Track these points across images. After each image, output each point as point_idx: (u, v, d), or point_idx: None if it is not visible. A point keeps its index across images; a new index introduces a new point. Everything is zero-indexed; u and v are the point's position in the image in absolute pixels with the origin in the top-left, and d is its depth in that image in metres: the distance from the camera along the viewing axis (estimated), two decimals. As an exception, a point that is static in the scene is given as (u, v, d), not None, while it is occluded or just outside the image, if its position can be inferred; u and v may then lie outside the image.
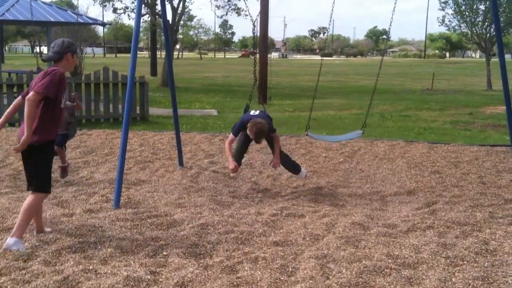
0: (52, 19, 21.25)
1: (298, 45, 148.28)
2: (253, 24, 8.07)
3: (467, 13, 26.67)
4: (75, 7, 50.84)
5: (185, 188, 6.85)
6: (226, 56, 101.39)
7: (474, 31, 26.88)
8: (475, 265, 4.38)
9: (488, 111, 16.57)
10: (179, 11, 24.84)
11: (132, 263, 4.36)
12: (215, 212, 5.82)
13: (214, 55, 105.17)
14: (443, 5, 28.02)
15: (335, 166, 8.33)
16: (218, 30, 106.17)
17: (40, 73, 4.68)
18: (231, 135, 6.82)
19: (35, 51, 75.04)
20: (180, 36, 67.42)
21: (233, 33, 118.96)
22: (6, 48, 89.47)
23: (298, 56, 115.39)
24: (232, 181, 7.36)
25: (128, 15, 29.44)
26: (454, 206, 6.15)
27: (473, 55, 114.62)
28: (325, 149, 9.56)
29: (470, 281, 4.05)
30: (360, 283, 4.04)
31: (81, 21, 22.90)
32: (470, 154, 9.21)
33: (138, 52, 6.54)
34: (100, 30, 73.75)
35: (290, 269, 4.31)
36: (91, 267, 4.23)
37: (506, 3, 23.55)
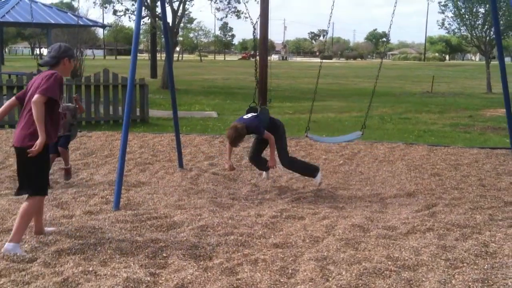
0: (52, 21, 21.25)
1: (298, 48, 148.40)
2: (254, 27, 8.09)
3: (466, 16, 26.69)
4: (75, 9, 50.84)
5: (185, 190, 6.85)
6: (226, 59, 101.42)
7: (474, 34, 26.90)
8: (475, 267, 4.38)
9: (488, 114, 16.58)
10: (179, 14, 24.88)
11: (132, 264, 4.36)
12: (215, 214, 5.82)
13: (214, 58, 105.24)
14: (443, 8, 28.09)
15: (335, 168, 8.33)
16: (218, 32, 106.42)
17: (39, 75, 4.66)
18: None
19: (35, 53, 75.10)
20: (180, 39, 67.57)
21: (233, 36, 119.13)
22: (6, 50, 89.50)
23: (298, 59, 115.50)
24: (232, 183, 7.36)
25: (129, 17, 29.44)
26: (454, 208, 6.15)
27: (473, 58, 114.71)
28: (325, 151, 9.56)
29: (470, 283, 4.05)
30: (360, 285, 4.04)
31: (81, 23, 22.91)
32: (470, 157, 9.21)
33: (138, 54, 6.54)
34: (100, 32, 73.87)
35: (290, 271, 4.31)
36: (90, 269, 4.23)
37: (505, 7, 23.57)
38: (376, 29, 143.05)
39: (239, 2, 29.05)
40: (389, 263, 4.44)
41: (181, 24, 30.96)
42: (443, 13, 28.26)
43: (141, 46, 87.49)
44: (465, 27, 27.33)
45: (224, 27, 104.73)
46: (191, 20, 75.33)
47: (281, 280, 4.13)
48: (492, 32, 24.94)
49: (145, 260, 4.48)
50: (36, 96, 4.42)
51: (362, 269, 4.28)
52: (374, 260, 4.51)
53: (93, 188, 6.80)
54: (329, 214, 5.92)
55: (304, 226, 5.46)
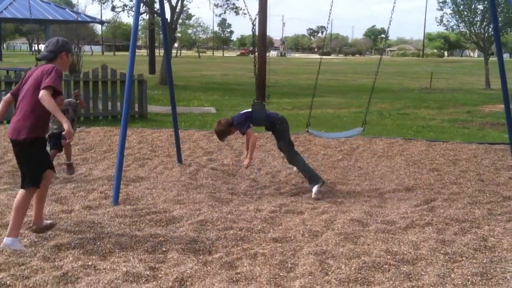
0: (50, 17, 21.24)
1: (297, 44, 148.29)
2: (253, 23, 8.08)
3: (465, 13, 26.68)
4: (73, 5, 50.76)
5: (184, 185, 6.85)
6: (224, 55, 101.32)
7: (473, 31, 26.90)
8: (474, 261, 4.39)
9: (486, 110, 16.60)
10: (177, 10, 24.83)
11: (131, 259, 4.36)
12: (214, 208, 5.83)
13: (213, 54, 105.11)
14: (441, 5, 28.10)
15: (334, 164, 8.33)
16: (216, 28, 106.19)
17: (38, 68, 4.63)
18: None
19: (33, 49, 74.97)
20: (179, 35, 67.42)
21: (231, 32, 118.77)
22: (4, 46, 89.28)
23: (297, 55, 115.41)
24: (231, 178, 7.37)
25: (127, 13, 29.40)
26: (453, 203, 6.17)
27: (471, 54, 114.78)
28: (323, 146, 9.57)
29: (469, 277, 4.06)
30: (359, 278, 4.05)
31: (80, 19, 22.88)
32: (468, 152, 9.22)
33: (136, 50, 6.53)
34: (98, 28, 73.80)
35: (289, 265, 4.32)
36: (90, 263, 4.23)
37: (504, 3, 23.54)
38: (374, 26, 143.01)
39: (237, -1, 29.02)
40: (388, 257, 4.45)
41: (180, 20, 30.92)
42: (441, 9, 28.30)
43: (139, 42, 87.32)
44: (463, 24, 27.33)
45: (223, 23, 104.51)
46: (189, 16, 75.15)
47: (281, 274, 4.14)
48: (490, 29, 24.95)
49: (145, 254, 4.48)
50: (41, 92, 4.37)
51: (361, 263, 4.29)
52: (373, 254, 4.52)
53: (92, 183, 6.80)
54: (328, 208, 5.93)
55: (303, 220, 5.47)
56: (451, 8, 27.54)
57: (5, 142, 9.21)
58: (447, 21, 28.70)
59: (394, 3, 7.32)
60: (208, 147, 9.39)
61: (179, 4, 24.87)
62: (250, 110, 6.88)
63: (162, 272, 4.14)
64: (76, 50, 23.26)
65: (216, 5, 29.79)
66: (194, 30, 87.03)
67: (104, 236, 4.84)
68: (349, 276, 4.07)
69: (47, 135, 6.86)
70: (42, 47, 59.89)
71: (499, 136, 11.17)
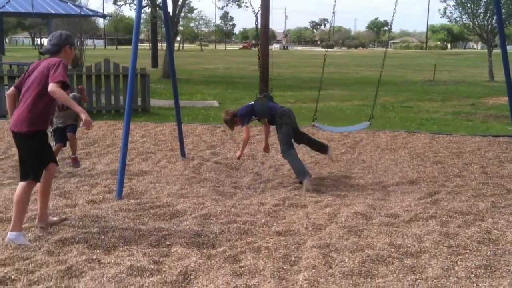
0: (53, 11, 21.22)
1: (299, 37, 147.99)
2: (256, 16, 8.06)
3: (468, 5, 26.55)
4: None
5: (187, 179, 6.86)
6: (227, 48, 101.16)
7: (476, 23, 26.77)
8: (478, 254, 4.39)
9: (490, 102, 16.54)
10: (179, 3, 24.76)
11: (136, 253, 4.38)
12: (218, 202, 5.83)
13: (215, 47, 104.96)
14: (445, -4, 27.90)
15: (337, 157, 8.32)
16: (218, 21, 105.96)
17: (43, 61, 4.64)
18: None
19: (35, 43, 74.95)
20: (181, 28, 67.37)
21: (233, 25, 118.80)
22: (7, 40, 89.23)
23: (299, 48, 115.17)
24: (234, 172, 7.37)
25: (130, 7, 29.36)
26: (457, 196, 6.16)
27: (475, 46, 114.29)
28: (327, 139, 9.54)
29: (472, 270, 4.06)
30: (363, 271, 4.05)
31: (82, 13, 22.85)
32: (472, 145, 9.20)
33: (139, 44, 6.52)
34: (100, 22, 73.77)
35: (293, 258, 4.33)
36: (94, 257, 4.24)
37: (508, -6, 23.44)
38: (377, 18, 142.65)
39: (240, -9, 28.93)
40: (392, 250, 4.45)
41: (182, 14, 30.84)
42: (445, 1, 28.10)
43: (141, 36, 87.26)
44: (467, 16, 27.20)
45: (225, 17, 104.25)
46: (191, 10, 75.10)
47: (284, 268, 4.14)
48: (494, 21, 24.82)
49: (149, 248, 4.49)
50: (51, 85, 4.37)
51: (365, 256, 4.30)
52: (377, 247, 4.52)
53: (96, 177, 6.81)
54: (331, 202, 5.93)
55: (306, 214, 5.47)
56: (454, 0, 27.41)
57: (9, 136, 9.22)
58: (450, 13, 28.59)
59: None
60: (211, 141, 9.39)
61: (181, -3, 24.81)
62: (251, 103, 6.96)
63: (166, 266, 4.15)
64: (78, 44, 23.26)
65: (219, -2, 29.64)
66: (197, 23, 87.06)
67: (108, 230, 4.85)
68: (352, 269, 4.07)
69: (52, 129, 6.90)
70: (44, 41, 59.91)
71: (503, 129, 11.14)
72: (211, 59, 49.54)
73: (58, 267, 4.04)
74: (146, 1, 25.55)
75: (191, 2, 68.63)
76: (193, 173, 7.19)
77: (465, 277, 3.96)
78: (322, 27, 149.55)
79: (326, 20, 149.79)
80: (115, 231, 4.84)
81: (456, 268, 4.11)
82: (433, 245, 4.55)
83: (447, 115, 13.43)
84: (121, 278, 3.89)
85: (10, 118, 4.79)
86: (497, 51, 16.76)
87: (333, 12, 7.59)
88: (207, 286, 3.82)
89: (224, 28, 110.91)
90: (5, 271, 3.97)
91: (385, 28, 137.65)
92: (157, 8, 26.30)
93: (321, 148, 7.28)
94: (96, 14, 27.44)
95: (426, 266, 4.16)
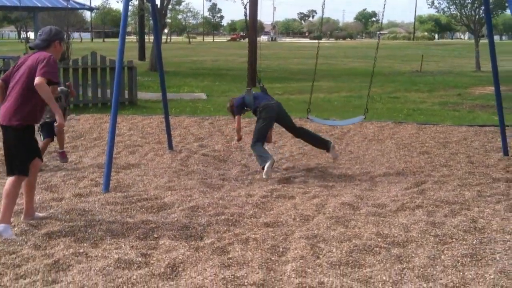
0: (39, 4, 21.00)
1: (287, 28, 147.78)
2: (244, 8, 8.04)
3: (456, -5, 26.67)
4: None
5: (175, 171, 6.84)
6: (215, 40, 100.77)
7: (463, 13, 26.89)
8: (464, 242, 4.43)
9: (477, 92, 16.66)
10: (167, -5, 24.60)
11: (123, 246, 4.36)
12: (205, 194, 5.83)
13: (203, 39, 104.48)
14: (432, -13, 28.00)
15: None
16: (206, 14, 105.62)
17: (32, 55, 4.62)
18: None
19: (21, 37, 74.11)
20: (169, 20, 66.96)
21: (221, 17, 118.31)
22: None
23: (288, 39, 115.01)
24: (222, 164, 7.36)
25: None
26: (443, 185, 6.21)
27: (462, 36, 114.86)
28: (314, 130, 9.52)
29: (458, 258, 4.10)
30: (350, 261, 4.08)
31: (69, 6, 22.63)
32: (458, 135, 9.27)
33: (126, 37, 6.47)
34: (87, 15, 73.14)
35: (281, 249, 4.34)
36: (81, 250, 4.23)
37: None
38: (365, 9, 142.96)
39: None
40: (379, 240, 4.48)
41: (169, 6, 30.66)
42: (433, -8, 28.21)
43: (128, 29, 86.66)
44: (454, 6, 27.33)
45: (213, 8, 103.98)
46: (179, 2, 74.73)
47: (272, 259, 4.15)
48: (481, 11, 24.94)
49: (136, 241, 4.48)
50: (37, 79, 4.38)
51: (352, 246, 4.32)
52: (364, 237, 4.54)
53: (82, 170, 6.78)
54: (319, 193, 5.95)
55: (294, 205, 5.48)
56: (442, -9, 27.53)
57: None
58: (438, 3, 28.72)
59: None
60: (199, 133, 9.37)
61: (169, -11, 24.65)
62: (243, 95, 7.01)
63: (154, 259, 4.14)
64: (65, 37, 23.05)
65: (206, -10, 29.50)
66: (184, 15, 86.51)
67: (95, 224, 4.83)
68: (340, 259, 4.10)
69: (39, 124, 6.84)
70: (30, 35, 59.30)
71: (489, 118, 11.23)
72: (199, 51, 49.34)
73: (45, 261, 4.02)
74: (133, -7, 25.36)
75: (178, -6, 68.39)
76: (181, 165, 7.17)
77: (451, 266, 4.00)
78: (311, 18, 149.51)
79: (315, 11, 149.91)
80: (102, 224, 4.82)
81: (442, 257, 4.15)
82: (419, 235, 4.59)
83: (434, 106, 13.51)
84: (108, 271, 3.88)
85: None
86: (484, 41, 16.87)
87: (323, 3, 7.57)
88: (195, 278, 3.82)
89: (212, 20, 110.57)
90: (-9, 265, 3.95)
91: (373, 19, 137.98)
92: (145, 0, 26.14)
93: (321, 144, 7.18)
94: (83, 7, 27.22)
95: (413, 255, 4.19)
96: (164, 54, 8.36)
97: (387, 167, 7.17)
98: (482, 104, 13.68)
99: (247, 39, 9.18)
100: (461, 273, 3.88)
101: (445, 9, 28.64)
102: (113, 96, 6.28)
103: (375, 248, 4.30)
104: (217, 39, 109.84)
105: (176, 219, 5.02)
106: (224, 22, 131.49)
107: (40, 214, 5.01)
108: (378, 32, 42.47)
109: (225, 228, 4.81)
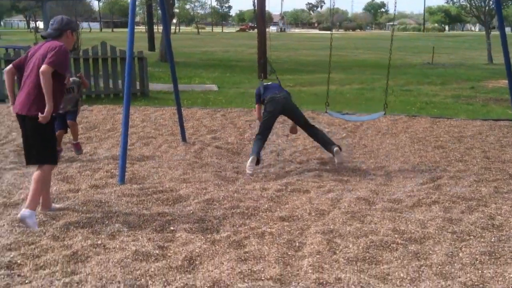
0: (49, -7, 20.95)
1: (296, 19, 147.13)
2: (253, -2, 7.99)
3: (465, -14, 26.45)
4: (70, -19, 50.12)
5: (189, 163, 6.85)
6: (224, 30, 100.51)
7: (473, 4, 26.64)
8: (482, 240, 4.40)
9: (490, 85, 16.51)
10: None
11: (140, 238, 4.38)
12: (220, 187, 5.83)
13: (212, 30, 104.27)
14: (443, -22, 27.78)
15: (338, 141, 8.27)
16: (214, 3, 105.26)
17: (44, 44, 4.62)
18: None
19: (31, 26, 74.29)
20: (176, 10, 66.82)
21: (229, 7, 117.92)
22: (2, 23, 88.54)
23: (297, 30, 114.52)
24: (236, 157, 7.36)
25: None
26: (459, 181, 6.16)
27: (472, 28, 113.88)
28: (327, 124, 9.54)
29: (477, 256, 4.08)
30: (367, 257, 4.07)
31: (78, -5, 22.62)
32: (473, 129, 9.19)
33: (135, 27, 6.44)
34: (95, 4, 73.08)
35: (297, 244, 4.34)
36: (99, 242, 4.25)
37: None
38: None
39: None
40: (396, 236, 4.46)
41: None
42: (443, -18, 27.99)
43: (137, 19, 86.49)
44: (463, -4, 27.10)
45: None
46: (187, -9, 74.46)
47: (289, 253, 4.15)
48: (491, 2, 24.68)
49: (153, 233, 4.50)
50: (44, 66, 4.42)
51: (369, 242, 4.31)
52: (381, 233, 4.53)
53: (97, 162, 6.79)
54: (334, 187, 5.93)
55: (309, 199, 5.47)
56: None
57: (8, 121, 9.18)
58: (448, -7, 28.47)
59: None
60: (212, 125, 9.36)
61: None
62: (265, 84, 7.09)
63: (171, 251, 4.16)
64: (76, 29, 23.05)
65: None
66: (192, 5, 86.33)
67: (112, 215, 4.85)
68: (357, 255, 4.09)
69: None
70: (39, 24, 59.41)
71: (503, 112, 11.13)
72: (209, 42, 49.26)
73: (63, 252, 4.05)
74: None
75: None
76: (195, 158, 7.18)
77: (470, 264, 3.98)
78: (319, 9, 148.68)
79: (323, 1, 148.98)
80: (119, 216, 4.84)
81: (460, 254, 4.13)
82: (436, 231, 4.56)
83: (447, 99, 13.40)
84: (126, 263, 3.90)
85: (11, 99, 4.77)
86: (495, 33, 16.70)
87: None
88: (212, 271, 3.83)
89: (220, 10, 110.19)
90: (11, 255, 3.98)
91: (382, 9, 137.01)
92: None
93: (327, 147, 6.94)
94: (92, -4, 27.15)
95: (431, 252, 4.17)
96: (173, 44, 8.31)
97: (401, 161, 7.13)
98: (496, 97, 13.55)
99: (256, 30, 9.08)
100: (480, 271, 3.85)
101: (455, 0, 28.40)
102: (125, 87, 6.25)
103: (392, 245, 4.28)
104: (226, 29, 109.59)
105: (192, 211, 5.03)
106: (232, 12, 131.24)
107: (57, 205, 5.04)
108: (391, 24, 42.03)
109: (241, 222, 4.81)
